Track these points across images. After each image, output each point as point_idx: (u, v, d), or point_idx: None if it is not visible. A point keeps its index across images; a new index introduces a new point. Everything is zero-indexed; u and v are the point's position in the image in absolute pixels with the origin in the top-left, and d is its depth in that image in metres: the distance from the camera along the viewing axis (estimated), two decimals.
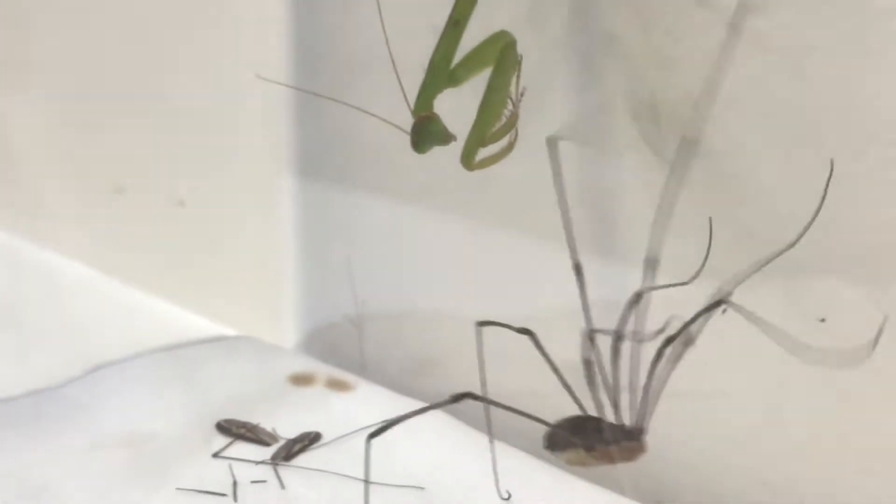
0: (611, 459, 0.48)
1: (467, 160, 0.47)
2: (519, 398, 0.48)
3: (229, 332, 0.71)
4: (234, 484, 0.55)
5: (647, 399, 0.47)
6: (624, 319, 0.47)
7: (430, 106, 0.47)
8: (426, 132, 0.47)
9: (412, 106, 0.47)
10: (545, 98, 0.54)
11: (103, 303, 0.76)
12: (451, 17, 0.47)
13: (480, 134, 0.47)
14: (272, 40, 0.65)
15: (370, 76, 0.48)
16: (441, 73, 0.47)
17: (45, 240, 0.81)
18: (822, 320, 0.49)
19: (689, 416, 0.54)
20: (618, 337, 0.47)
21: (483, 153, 0.48)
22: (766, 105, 0.48)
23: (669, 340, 0.45)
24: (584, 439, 0.48)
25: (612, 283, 0.50)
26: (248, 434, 0.58)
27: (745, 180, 0.50)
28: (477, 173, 0.48)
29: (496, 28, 0.48)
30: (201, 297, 0.74)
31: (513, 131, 0.48)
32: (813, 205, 0.47)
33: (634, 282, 0.48)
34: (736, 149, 0.50)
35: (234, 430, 0.59)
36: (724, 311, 0.46)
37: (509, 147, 0.48)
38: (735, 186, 0.50)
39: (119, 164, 0.77)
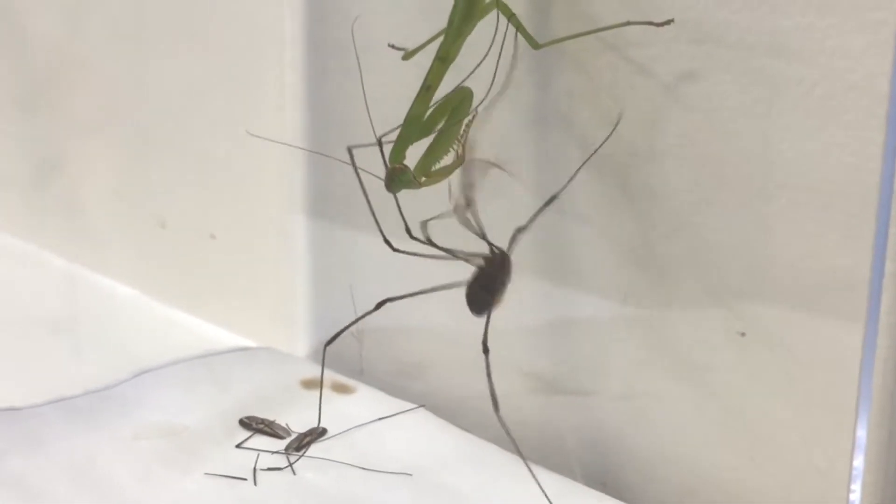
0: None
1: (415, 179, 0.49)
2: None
3: (251, 343, 0.72)
4: (254, 470, 0.56)
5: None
6: None
7: (403, 156, 0.48)
8: (398, 180, 0.48)
9: (388, 156, 0.48)
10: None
11: (147, 318, 0.77)
12: (424, 83, 0.49)
13: (425, 166, 0.49)
14: (289, 104, 0.67)
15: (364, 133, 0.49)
16: (414, 128, 0.49)
17: (100, 266, 0.82)
18: (743, 334, 0.50)
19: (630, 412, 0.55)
20: None
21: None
22: (694, 156, 0.50)
23: None
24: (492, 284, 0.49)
25: None
26: (266, 429, 0.59)
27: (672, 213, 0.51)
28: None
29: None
30: (228, 315, 0.74)
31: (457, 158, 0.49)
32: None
33: None
34: (669, 191, 0.51)
35: (254, 425, 0.59)
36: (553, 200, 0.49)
37: (453, 166, 0.49)
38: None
39: (162, 204, 0.78)
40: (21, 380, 0.66)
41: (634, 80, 0.51)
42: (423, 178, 0.49)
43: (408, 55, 0.55)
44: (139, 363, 0.66)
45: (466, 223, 0.49)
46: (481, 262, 0.50)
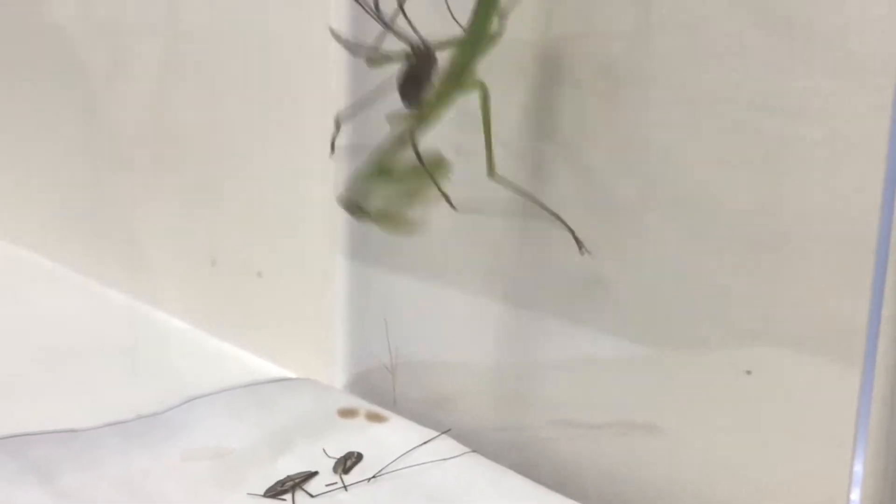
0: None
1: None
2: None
3: (292, 374, 0.71)
4: (292, 495, 0.55)
5: None
6: None
7: (363, 196, 0.49)
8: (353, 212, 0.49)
9: (350, 184, 0.48)
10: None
11: (198, 349, 0.77)
12: (399, 134, 0.48)
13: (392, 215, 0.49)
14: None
15: None
16: (381, 178, 0.48)
17: (156, 300, 0.82)
18: (749, 372, 0.50)
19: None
20: None
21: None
22: (706, 206, 0.50)
23: None
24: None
25: None
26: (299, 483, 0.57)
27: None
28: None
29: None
30: (272, 348, 0.75)
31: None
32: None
33: None
34: (682, 237, 0.51)
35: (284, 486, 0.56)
36: None
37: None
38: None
39: (214, 244, 0.78)
40: (80, 404, 0.66)
41: (645, 133, 0.51)
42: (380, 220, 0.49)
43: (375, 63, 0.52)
44: (189, 391, 0.66)
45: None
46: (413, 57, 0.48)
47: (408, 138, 0.48)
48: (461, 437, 0.60)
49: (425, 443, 0.60)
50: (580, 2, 0.52)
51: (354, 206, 0.49)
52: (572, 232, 0.51)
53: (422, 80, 0.47)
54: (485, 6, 0.48)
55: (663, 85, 0.50)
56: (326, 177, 0.65)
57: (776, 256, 0.48)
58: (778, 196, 0.47)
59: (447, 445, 0.60)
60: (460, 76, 0.48)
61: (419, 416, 0.64)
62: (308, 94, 0.69)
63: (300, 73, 0.69)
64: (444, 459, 0.58)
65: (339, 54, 0.59)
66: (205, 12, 0.74)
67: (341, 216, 0.65)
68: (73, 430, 0.61)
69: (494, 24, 0.49)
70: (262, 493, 0.55)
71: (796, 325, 0.48)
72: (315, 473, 0.57)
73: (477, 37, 0.48)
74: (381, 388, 0.65)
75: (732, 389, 0.50)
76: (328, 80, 0.66)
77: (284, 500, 0.55)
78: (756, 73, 0.47)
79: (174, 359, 0.75)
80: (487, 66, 0.50)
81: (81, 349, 0.76)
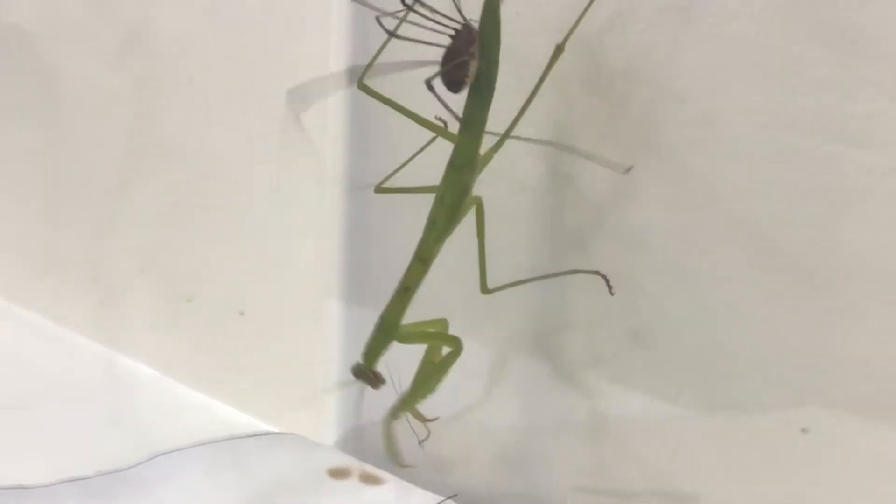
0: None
1: (394, 415, 0.49)
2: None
3: (275, 428, 0.69)
4: None
5: None
6: None
7: (377, 360, 0.48)
8: (362, 380, 0.48)
9: (362, 355, 0.48)
10: None
11: (167, 399, 0.73)
12: (401, 284, 0.48)
13: (411, 403, 0.49)
14: (329, 183, 0.64)
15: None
16: (390, 332, 0.48)
17: (121, 342, 0.78)
18: (805, 430, 0.48)
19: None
20: None
21: None
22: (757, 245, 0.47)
23: None
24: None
25: None
26: None
27: None
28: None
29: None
30: (253, 398, 0.71)
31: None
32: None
33: None
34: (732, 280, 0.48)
35: None
36: None
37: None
38: None
39: (191, 277, 0.75)
40: (34, 458, 0.63)
41: (686, 161, 0.48)
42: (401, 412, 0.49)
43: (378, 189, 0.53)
44: (157, 445, 0.63)
45: None
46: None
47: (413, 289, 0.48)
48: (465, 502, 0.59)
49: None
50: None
51: (369, 374, 0.49)
52: (598, 273, 0.50)
53: (465, 58, 0.45)
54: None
55: (705, 105, 0.47)
56: (321, 206, 0.63)
57: (835, 302, 0.45)
58: (838, 233, 0.45)
59: None
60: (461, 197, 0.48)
61: (421, 478, 0.61)
62: (301, 115, 0.66)
63: (293, 92, 0.66)
64: None
65: (334, 75, 0.59)
66: (190, 27, 0.71)
67: (337, 254, 0.66)
68: (23, 487, 0.58)
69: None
70: None
71: (857, 381, 0.46)
72: None
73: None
74: (377, 447, 0.62)
75: (787, 447, 0.48)
76: (324, 101, 0.64)
77: None
78: (814, 93, 0.44)
79: (140, 408, 0.73)
80: None
81: (36, 397, 0.72)
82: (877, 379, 0.45)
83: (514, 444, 0.56)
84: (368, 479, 0.61)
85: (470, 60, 0.44)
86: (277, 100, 0.66)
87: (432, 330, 0.49)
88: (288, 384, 0.70)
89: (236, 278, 0.72)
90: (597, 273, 0.49)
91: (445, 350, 0.49)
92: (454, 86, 0.45)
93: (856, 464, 0.46)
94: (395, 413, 0.49)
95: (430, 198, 0.47)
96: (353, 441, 0.67)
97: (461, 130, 0.46)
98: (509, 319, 0.58)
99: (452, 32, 0.44)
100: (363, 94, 0.52)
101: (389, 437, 0.49)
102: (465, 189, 0.47)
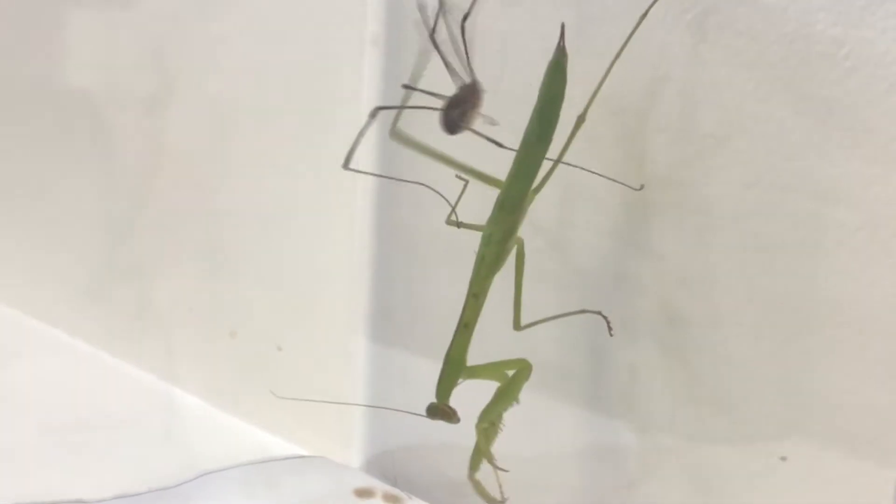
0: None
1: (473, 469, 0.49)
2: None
3: (306, 452, 0.70)
4: None
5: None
6: None
7: (449, 395, 0.48)
8: (439, 418, 0.49)
9: (436, 393, 0.48)
10: None
11: (210, 425, 0.75)
12: (461, 321, 0.48)
13: (484, 450, 0.49)
14: (357, 229, 0.67)
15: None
16: (457, 367, 0.48)
17: (171, 375, 0.80)
18: (784, 458, 0.49)
19: None
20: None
21: None
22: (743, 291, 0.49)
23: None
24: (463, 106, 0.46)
25: None
26: None
27: None
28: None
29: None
30: (287, 425, 0.73)
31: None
32: None
33: None
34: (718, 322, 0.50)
35: None
36: None
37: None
38: None
39: (234, 316, 0.77)
40: (91, 475, 0.65)
41: (686, 219, 0.50)
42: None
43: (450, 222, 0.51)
44: (202, 466, 0.65)
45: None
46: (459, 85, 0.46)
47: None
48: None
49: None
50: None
51: (445, 410, 0.49)
52: (601, 313, 0.50)
53: (466, 107, 0.46)
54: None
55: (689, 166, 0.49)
56: (350, 250, 0.65)
57: (813, 343, 0.46)
58: (814, 282, 0.46)
59: None
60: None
61: (436, 499, 0.63)
62: (333, 163, 0.67)
63: (327, 138, 0.67)
64: None
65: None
66: (228, 88, 0.73)
67: (364, 295, 0.67)
68: (83, 501, 0.60)
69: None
70: None
71: (833, 415, 0.46)
72: None
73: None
74: (402, 469, 0.64)
75: (765, 476, 0.49)
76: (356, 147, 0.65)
77: None
78: (794, 156, 0.46)
79: (186, 433, 0.74)
80: None
81: (90, 422, 0.74)
82: (849, 412, 0.46)
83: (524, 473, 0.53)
84: (391, 499, 0.62)
85: (469, 111, 0.46)
86: (310, 145, 0.69)
87: (505, 368, 0.48)
88: (319, 412, 0.68)
89: (275, 317, 0.74)
90: (599, 313, 0.50)
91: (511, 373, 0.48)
92: (451, 128, 0.46)
93: (831, 487, 0.47)
94: (473, 465, 0.49)
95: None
96: (376, 464, 0.68)
97: (513, 175, 0.47)
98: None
99: (461, 83, 0.45)
100: (392, 142, 0.52)
101: (479, 487, 0.49)
102: (512, 229, 0.48)
